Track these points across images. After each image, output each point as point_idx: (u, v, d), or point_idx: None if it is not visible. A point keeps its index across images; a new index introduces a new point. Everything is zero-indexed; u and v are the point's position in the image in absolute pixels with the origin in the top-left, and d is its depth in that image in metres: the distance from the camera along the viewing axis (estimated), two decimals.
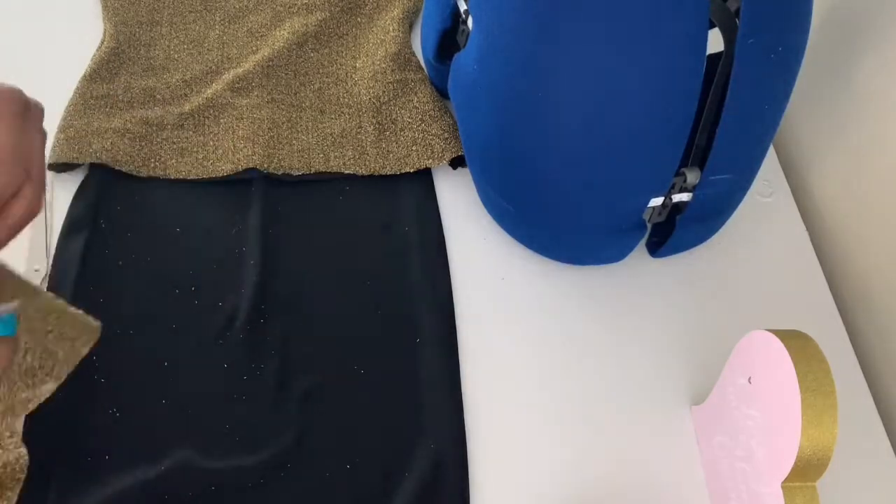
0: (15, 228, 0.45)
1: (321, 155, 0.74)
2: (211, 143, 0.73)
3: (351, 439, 0.59)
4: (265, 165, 0.72)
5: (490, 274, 0.69)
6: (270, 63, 0.79)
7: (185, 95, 0.77)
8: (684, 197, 0.62)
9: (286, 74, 0.79)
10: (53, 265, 0.65)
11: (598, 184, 0.60)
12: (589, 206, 0.62)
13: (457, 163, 0.75)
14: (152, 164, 0.72)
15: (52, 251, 0.66)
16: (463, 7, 0.67)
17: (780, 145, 0.82)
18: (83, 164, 0.71)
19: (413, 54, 0.81)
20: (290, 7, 0.84)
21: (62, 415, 0.58)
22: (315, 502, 0.57)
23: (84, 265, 0.65)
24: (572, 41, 0.53)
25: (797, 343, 0.47)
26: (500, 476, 0.59)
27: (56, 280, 0.64)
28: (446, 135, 0.74)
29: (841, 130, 0.73)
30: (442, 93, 0.77)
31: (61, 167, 0.70)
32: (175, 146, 0.73)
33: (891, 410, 0.66)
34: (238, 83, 0.77)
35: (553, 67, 0.55)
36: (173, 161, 0.72)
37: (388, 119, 0.76)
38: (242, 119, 0.74)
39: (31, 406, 0.56)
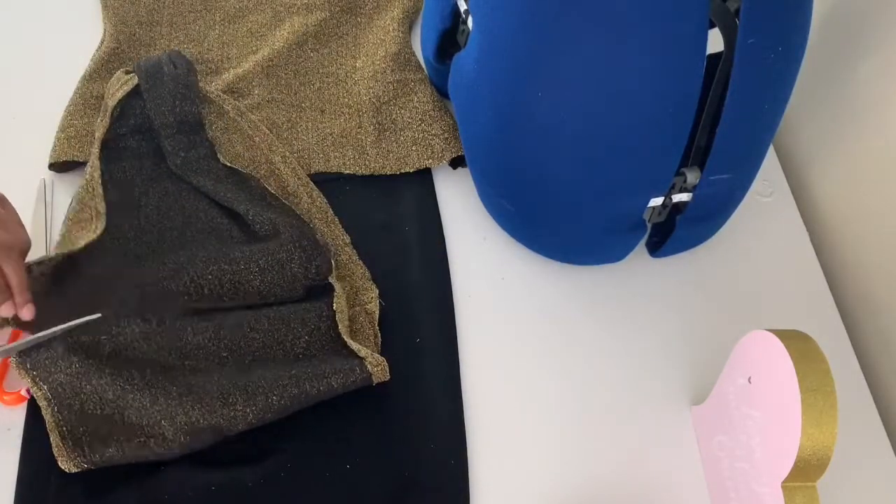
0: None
1: (321, 155, 0.74)
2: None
3: (351, 439, 0.59)
4: None
5: (490, 274, 0.69)
6: (270, 63, 0.79)
7: None
8: (684, 197, 0.62)
9: (286, 74, 0.79)
10: None
11: (598, 184, 0.60)
12: (589, 206, 0.62)
13: (457, 163, 0.75)
14: None
15: (52, 251, 0.66)
16: (463, 7, 0.67)
17: (780, 145, 0.82)
18: (83, 164, 0.71)
19: (413, 54, 0.81)
20: (290, 7, 0.84)
21: None
22: (314, 502, 0.57)
23: None
24: (572, 41, 0.53)
25: (797, 343, 0.47)
26: (501, 475, 0.59)
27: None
28: (446, 135, 0.74)
29: (841, 130, 0.73)
30: (442, 93, 0.77)
31: (61, 167, 0.71)
32: None
33: (891, 410, 0.66)
34: (238, 83, 0.77)
35: (553, 67, 0.55)
36: None
37: (388, 119, 0.76)
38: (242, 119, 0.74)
39: None
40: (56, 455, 0.55)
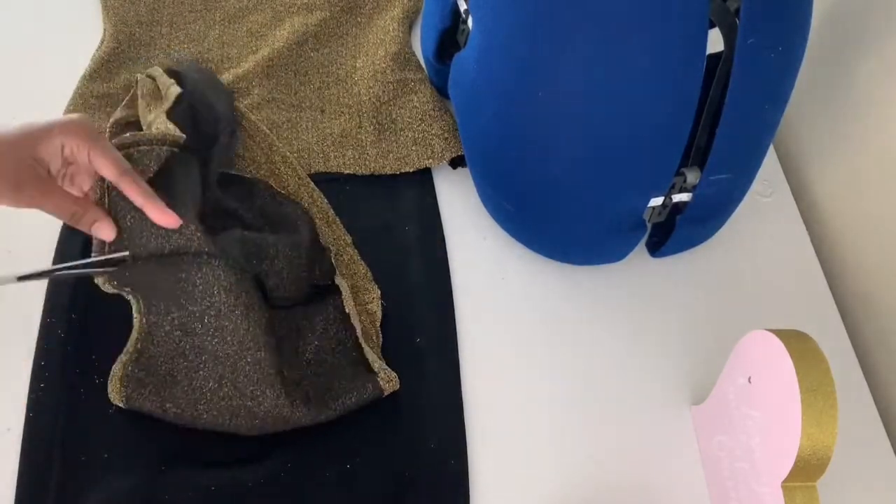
0: None
1: (321, 155, 0.74)
2: None
3: (351, 439, 0.59)
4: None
5: (490, 274, 0.69)
6: (270, 63, 0.79)
7: None
8: (684, 197, 0.62)
9: (286, 74, 0.79)
10: (53, 264, 0.65)
11: (598, 184, 0.60)
12: (589, 206, 0.61)
13: (457, 163, 0.75)
14: None
15: (52, 250, 0.66)
16: (463, 7, 0.67)
17: (780, 145, 0.82)
18: None
19: (413, 54, 0.81)
20: (289, 7, 0.84)
21: (60, 415, 0.58)
22: (315, 502, 0.57)
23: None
24: (572, 41, 0.53)
25: (797, 343, 0.47)
26: (501, 476, 0.59)
27: (56, 280, 0.64)
28: (446, 135, 0.74)
29: (841, 130, 0.73)
30: (442, 93, 0.77)
31: None
32: None
33: (891, 410, 0.66)
34: (238, 83, 0.77)
35: (553, 67, 0.55)
36: None
37: (388, 119, 0.76)
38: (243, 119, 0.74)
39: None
40: (110, 385, 0.57)
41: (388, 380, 0.59)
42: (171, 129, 0.64)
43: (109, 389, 0.58)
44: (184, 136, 0.63)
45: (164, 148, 0.61)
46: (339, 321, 0.62)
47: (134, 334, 0.59)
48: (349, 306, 0.62)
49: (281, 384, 0.57)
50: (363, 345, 0.61)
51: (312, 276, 0.64)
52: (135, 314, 0.59)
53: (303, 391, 0.58)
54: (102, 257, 0.57)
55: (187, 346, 0.58)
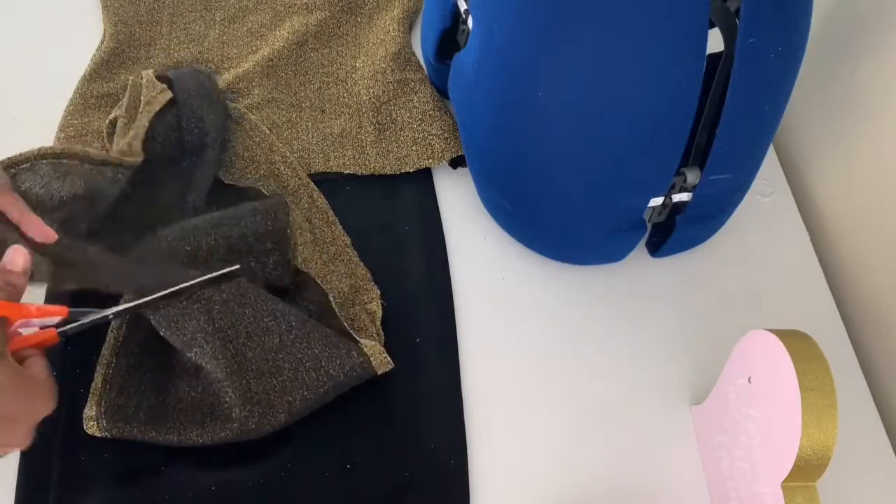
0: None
1: (321, 155, 0.74)
2: None
3: (351, 439, 0.59)
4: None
5: (490, 274, 0.69)
6: (270, 63, 0.79)
7: None
8: (684, 197, 0.62)
9: (286, 74, 0.79)
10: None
11: (597, 184, 0.60)
12: (589, 206, 0.61)
13: (457, 163, 0.75)
14: None
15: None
16: (463, 7, 0.67)
17: (780, 145, 0.82)
18: None
19: (413, 54, 0.81)
20: (290, 7, 0.84)
21: (60, 415, 0.58)
22: (314, 502, 0.57)
23: None
24: (572, 41, 0.53)
25: (797, 343, 0.47)
26: (501, 475, 0.59)
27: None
28: (446, 135, 0.74)
29: (841, 130, 0.73)
30: (442, 93, 0.77)
31: None
32: None
33: (891, 410, 0.66)
34: (238, 83, 0.77)
35: (553, 67, 0.55)
36: None
37: (388, 119, 0.76)
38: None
39: None
40: (86, 415, 0.56)
41: (369, 347, 0.59)
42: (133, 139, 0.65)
43: (86, 425, 0.56)
44: (129, 160, 0.63)
45: (87, 166, 0.61)
46: (315, 315, 0.62)
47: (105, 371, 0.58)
48: (329, 286, 0.63)
49: (246, 376, 0.57)
50: (342, 322, 0.60)
51: (265, 266, 0.63)
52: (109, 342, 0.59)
53: (278, 367, 0.58)
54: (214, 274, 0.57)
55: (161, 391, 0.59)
